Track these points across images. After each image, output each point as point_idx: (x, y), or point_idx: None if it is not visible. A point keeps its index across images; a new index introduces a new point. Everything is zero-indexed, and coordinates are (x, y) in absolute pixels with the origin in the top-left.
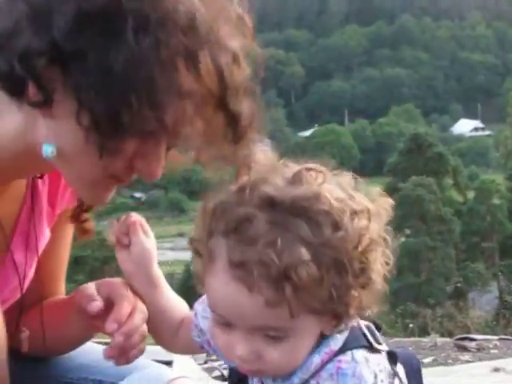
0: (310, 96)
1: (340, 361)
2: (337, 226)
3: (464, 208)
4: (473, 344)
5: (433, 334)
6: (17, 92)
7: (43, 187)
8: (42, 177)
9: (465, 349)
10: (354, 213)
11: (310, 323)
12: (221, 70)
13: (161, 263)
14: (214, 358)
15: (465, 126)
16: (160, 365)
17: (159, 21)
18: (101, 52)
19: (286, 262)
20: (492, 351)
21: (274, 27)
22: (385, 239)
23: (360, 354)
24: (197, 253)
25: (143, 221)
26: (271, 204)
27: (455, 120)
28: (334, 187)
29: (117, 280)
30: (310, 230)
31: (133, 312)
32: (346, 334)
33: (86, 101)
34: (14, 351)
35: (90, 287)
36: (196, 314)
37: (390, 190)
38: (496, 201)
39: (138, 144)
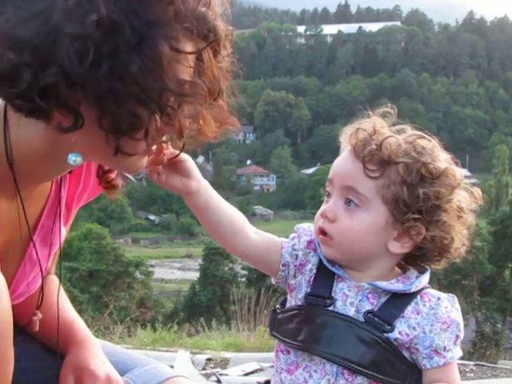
0: (315, 137)
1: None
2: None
3: None
4: None
5: None
6: (44, 119)
7: (63, 189)
8: (70, 172)
9: None
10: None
11: (383, 213)
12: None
13: (169, 281)
14: (211, 364)
15: None
16: (161, 363)
17: (165, 28)
18: (115, 61)
19: (392, 154)
20: (468, 375)
21: (286, 73)
22: (471, 222)
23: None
24: None
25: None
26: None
27: None
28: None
29: (92, 369)
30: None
31: None
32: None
33: (106, 107)
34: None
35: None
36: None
37: None
38: (478, 243)
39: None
